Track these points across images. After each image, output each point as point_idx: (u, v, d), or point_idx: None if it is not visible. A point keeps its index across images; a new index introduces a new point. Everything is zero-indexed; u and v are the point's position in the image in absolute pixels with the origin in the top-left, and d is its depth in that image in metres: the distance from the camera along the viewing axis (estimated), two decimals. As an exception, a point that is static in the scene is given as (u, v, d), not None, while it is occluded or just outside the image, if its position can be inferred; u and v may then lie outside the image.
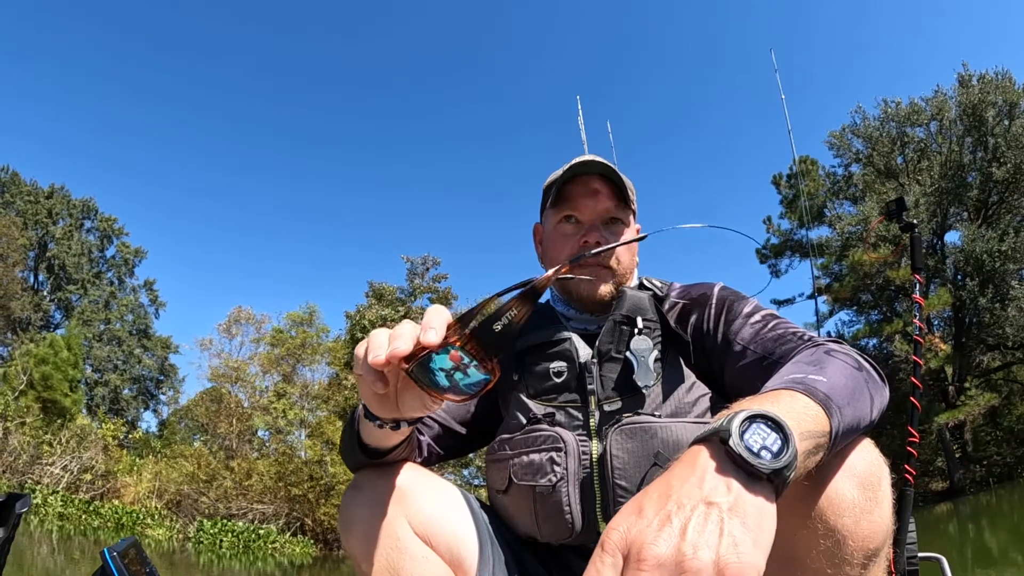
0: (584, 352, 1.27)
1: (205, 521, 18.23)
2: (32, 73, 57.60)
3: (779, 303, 27.21)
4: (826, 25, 65.42)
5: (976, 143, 23.01)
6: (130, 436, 23.60)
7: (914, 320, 1.97)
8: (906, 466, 1.77)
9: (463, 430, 1.36)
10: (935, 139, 24.05)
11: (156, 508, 19.43)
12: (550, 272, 0.74)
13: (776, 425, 0.63)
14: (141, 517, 18.73)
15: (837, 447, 0.76)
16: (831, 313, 26.56)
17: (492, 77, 75.70)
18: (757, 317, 1.20)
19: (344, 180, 67.48)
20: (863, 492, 0.79)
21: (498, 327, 0.70)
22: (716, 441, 0.62)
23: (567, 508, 1.14)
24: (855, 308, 25.63)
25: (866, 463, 0.82)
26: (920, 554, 1.69)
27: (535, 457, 1.19)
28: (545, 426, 1.21)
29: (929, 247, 23.57)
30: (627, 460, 1.13)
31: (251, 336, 22.17)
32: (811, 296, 26.73)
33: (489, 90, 75.41)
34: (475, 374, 0.74)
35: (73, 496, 19.13)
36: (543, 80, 74.51)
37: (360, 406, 1.00)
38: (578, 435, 1.19)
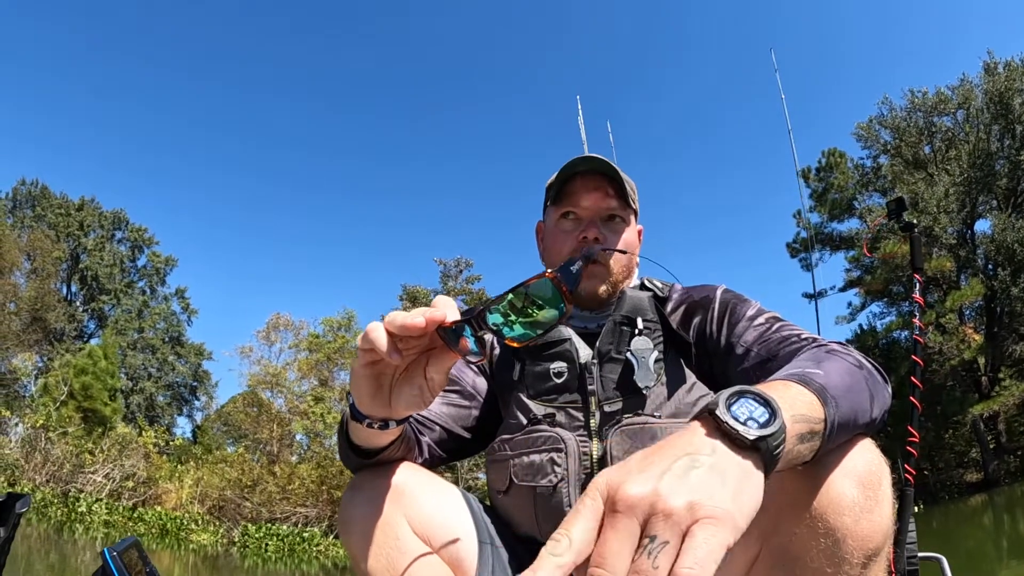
0: (584, 353, 1.26)
1: (249, 525, 18.48)
2: (61, 87, 58.47)
3: (811, 296, 27.18)
4: (855, 15, 64.68)
5: (1004, 131, 22.83)
6: (171, 443, 23.93)
7: (914, 320, 1.95)
8: (906, 466, 1.76)
9: (465, 433, 1.34)
10: (962, 128, 23.86)
11: (199, 513, 19.66)
12: (541, 273, 0.74)
13: (764, 400, 0.64)
14: (185, 523, 18.99)
15: (835, 438, 0.76)
16: (863, 306, 26.47)
17: (528, 79, 75.75)
18: (760, 319, 1.20)
19: (376, 185, 68.40)
20: (863, 491, 0.79)
21: (496, 316, 0.75)
22: (705, 414, 0.63)
23: (567, 508, 1.13)
24: (886, 300, 25.51)
25: (866, 462, 0.82)
26: (920, 554, 1.68)
27: (536, 458, 1.19)
28: (545, 427, 1.21)
29: (959, 237, 23.44)
30: None
31: (289, 342, 22.38)
32: (842, 289, 26.61)
33: (524, 91, 75.48)
34: (515, 330, 0.77)
35: (116, 503, 19.44)
36: (573, 80, 74.37)
37: (347, 408, 0.99)
38: (578, 435, 1.19)
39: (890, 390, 0.94)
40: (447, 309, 0.78)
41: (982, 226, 23.98)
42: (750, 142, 67.99)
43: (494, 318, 0.75)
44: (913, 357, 1.89)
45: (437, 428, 1.29)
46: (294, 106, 68.29)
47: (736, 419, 0.61)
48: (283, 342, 22.47)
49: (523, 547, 1.21)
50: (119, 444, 21.16)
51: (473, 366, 1.40)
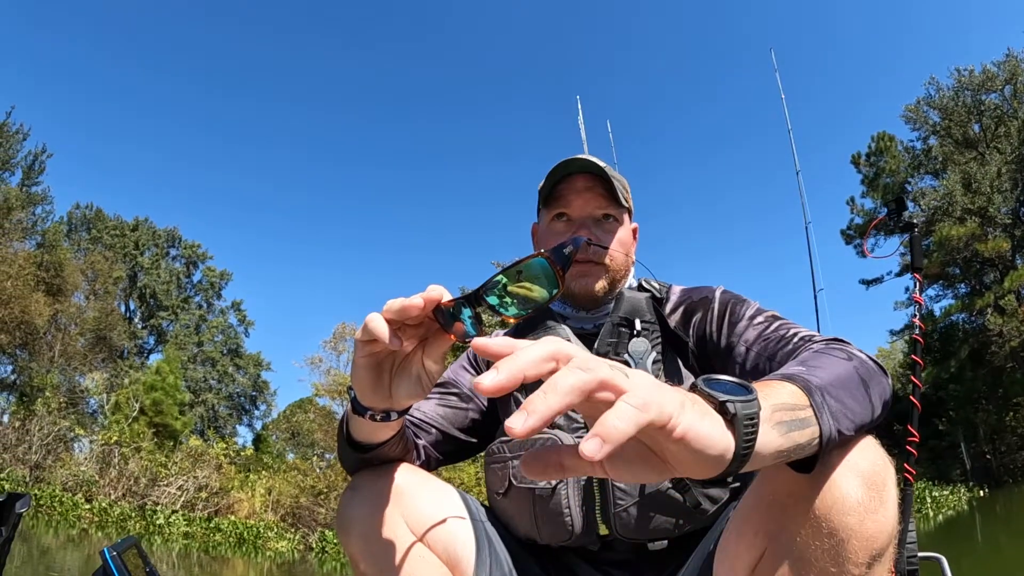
0: None
1: (327, 531, 18.96)
2: (104, 111, 59.87)
3: (868, 283, 27.00)
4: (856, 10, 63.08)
5: (1054, 104, 22.45)
6: (240, 454, 24.50)
7: (914, 320, 1.91)
8: (906, 465, 1.74)
9: (462, 435, 1.35)
10: (1011, 104, 23.48)
11: (273, 521, 20.09)
12: (535, 253, 0.76)
13: (743, 387, 0.64)
14: (261, 531, 19.47)
15: (829, 428, 0.74)
16: (920, 290, 26.12)
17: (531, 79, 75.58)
18: (760, 319, 1.21)
19: (433, 188, 70.08)
20: (868, 491, 0.79)
21: (493, 297, 0.78)
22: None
23: (566, 510, 1.16)
24: (942, 282, 25.16)
25: (870, 462, 0.81)
26: (920, 554, 1.69)
27: None
28: (545, 428, 1.28)
29: (1014, 216, 23.07)
30: None
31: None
32: (898, 274, 26.21)
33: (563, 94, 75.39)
34: (510, 309, 0.79)
35: (191, 514, 19.92)
36: (573, 80, 74.01)
37: (349, 404, 1.00)
38: (577, 437, 1.18)
39: (889, 380, 0.93)
40: (442, 291, 0.81)
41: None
42: (752, 141, 66.90)
43: (491, 298, 0.78)
44: (912, 357, 1.89)
45: (434, 431, 1.31)
46: (336, 118, 69.37)
47: (711, 387, 0.63)
48: (350, 351, 22.79)
49: (522, 549, 1.23)
50: (191, 456, 21.80)
51: (471, 369, 1.42)
